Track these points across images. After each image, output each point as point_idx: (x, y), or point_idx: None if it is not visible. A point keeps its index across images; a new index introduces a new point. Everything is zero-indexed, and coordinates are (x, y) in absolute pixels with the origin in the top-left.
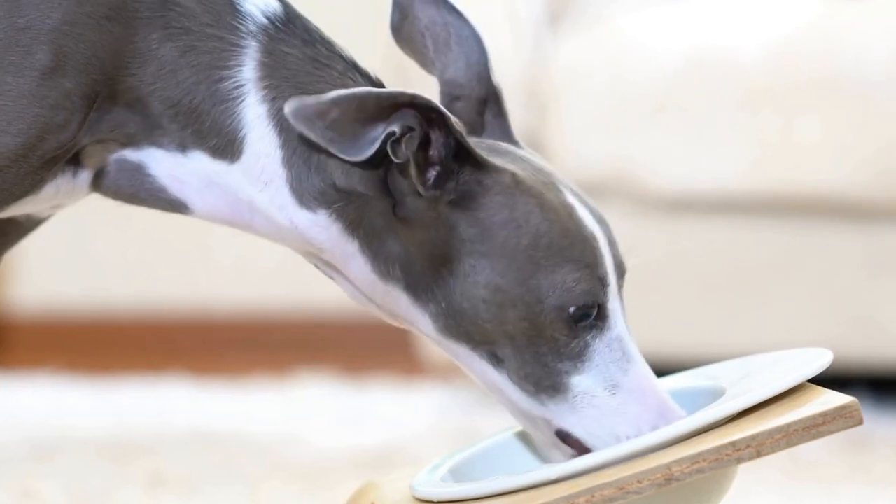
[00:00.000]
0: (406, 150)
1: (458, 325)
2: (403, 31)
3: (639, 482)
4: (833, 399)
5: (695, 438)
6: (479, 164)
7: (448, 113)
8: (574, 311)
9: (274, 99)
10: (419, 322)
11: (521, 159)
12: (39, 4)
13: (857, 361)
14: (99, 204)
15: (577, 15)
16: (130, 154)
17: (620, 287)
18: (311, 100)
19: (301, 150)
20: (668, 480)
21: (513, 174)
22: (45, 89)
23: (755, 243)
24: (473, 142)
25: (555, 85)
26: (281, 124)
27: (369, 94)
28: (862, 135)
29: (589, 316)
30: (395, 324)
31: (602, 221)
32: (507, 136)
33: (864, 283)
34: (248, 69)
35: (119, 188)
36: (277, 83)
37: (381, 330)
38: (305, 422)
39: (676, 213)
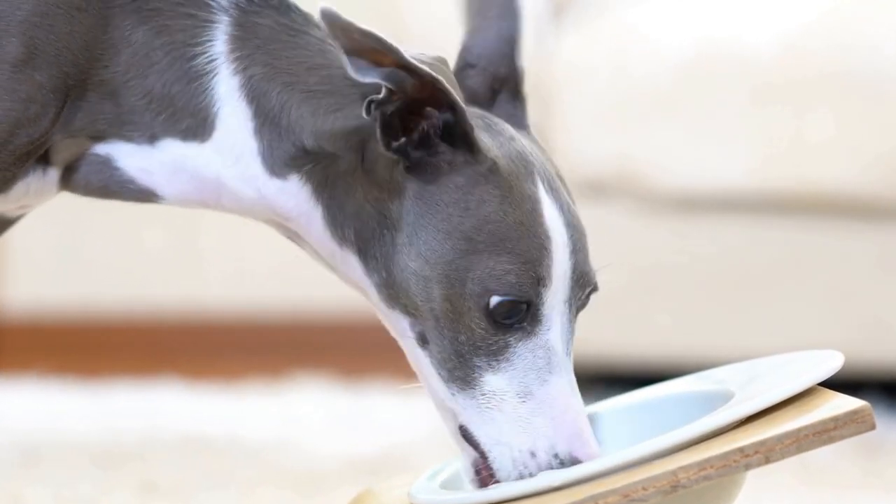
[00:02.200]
0: (375, 111)
1: (396, 296)
2: None
3: (644, 489)
4: (845, 403)
5: (702, 444)
6: (469, 151)
7: (459, 101)
8: (496, 304)
9: (245, 69)
10: (369, 292)
11: (511, 142)
12: None
13: (868, 364)
14: (89, 205)
15: (581, 8)
16: (99, 148)
17: (578, 299)
18: (345, 17)
19: (272, 116)
20: (675, 487)
21: (492, 164)
22: (16, 82)
23: (764, 243)
24: (472, 112)
25: (558, 80)
26: (252, 93)
27: (392, 49)
28: (875, 131)
29: (514, 315)
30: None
31: (572, 227)
32: (517, 120)
33: (877, 283)
34: (219, 43)
35: (89, 182)
36: (249, 52)
37: (379, 333)
38: (301, 426)
39: (683, 212)
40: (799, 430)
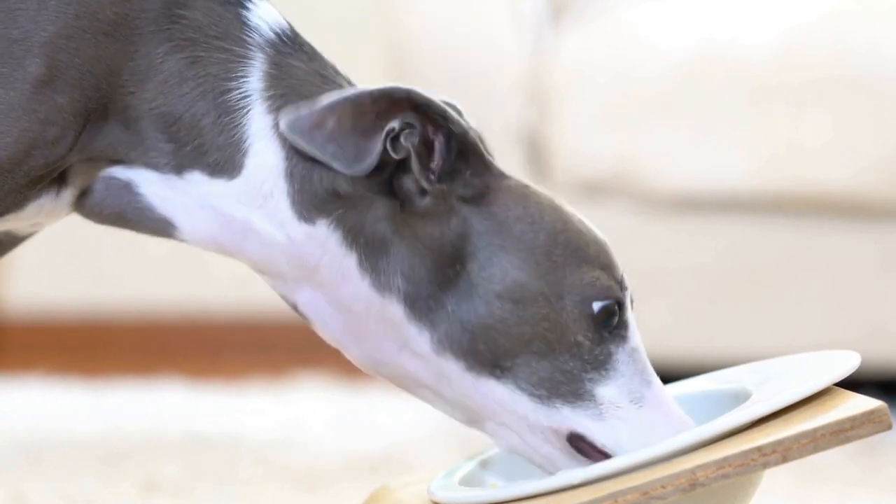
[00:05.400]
0: (406, 144)
1: (462, 333)
2: None
3: (663, 487)
4: (861, 403)
5: (720, 443)
6: (485, 167)
7: (449, 111)
8: (598, 310)
9: (279, 108)
10: (413, 339)
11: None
12: (35, 16)
13: (866, 364)
14: None
15: (581, 9)
16: (120, 172)
17: (631, 303)
18: (304, 111)
19: (305, 158)
20: (693, 485)
21: (519, 180)
22: (36, 103)
23: (764, 244)
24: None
25: (557, 81)
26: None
27: (362, 94)
28: (874, 133)
29: (612, 317)
30: (367, 370)
31: (605, 240)
32: None
33: (875, 284)
34: (254, 80)
35: (104, 208)
36: (283, 92)
37: None
38: (302, 425)
39: (682, 213)
40: (816, 429)
